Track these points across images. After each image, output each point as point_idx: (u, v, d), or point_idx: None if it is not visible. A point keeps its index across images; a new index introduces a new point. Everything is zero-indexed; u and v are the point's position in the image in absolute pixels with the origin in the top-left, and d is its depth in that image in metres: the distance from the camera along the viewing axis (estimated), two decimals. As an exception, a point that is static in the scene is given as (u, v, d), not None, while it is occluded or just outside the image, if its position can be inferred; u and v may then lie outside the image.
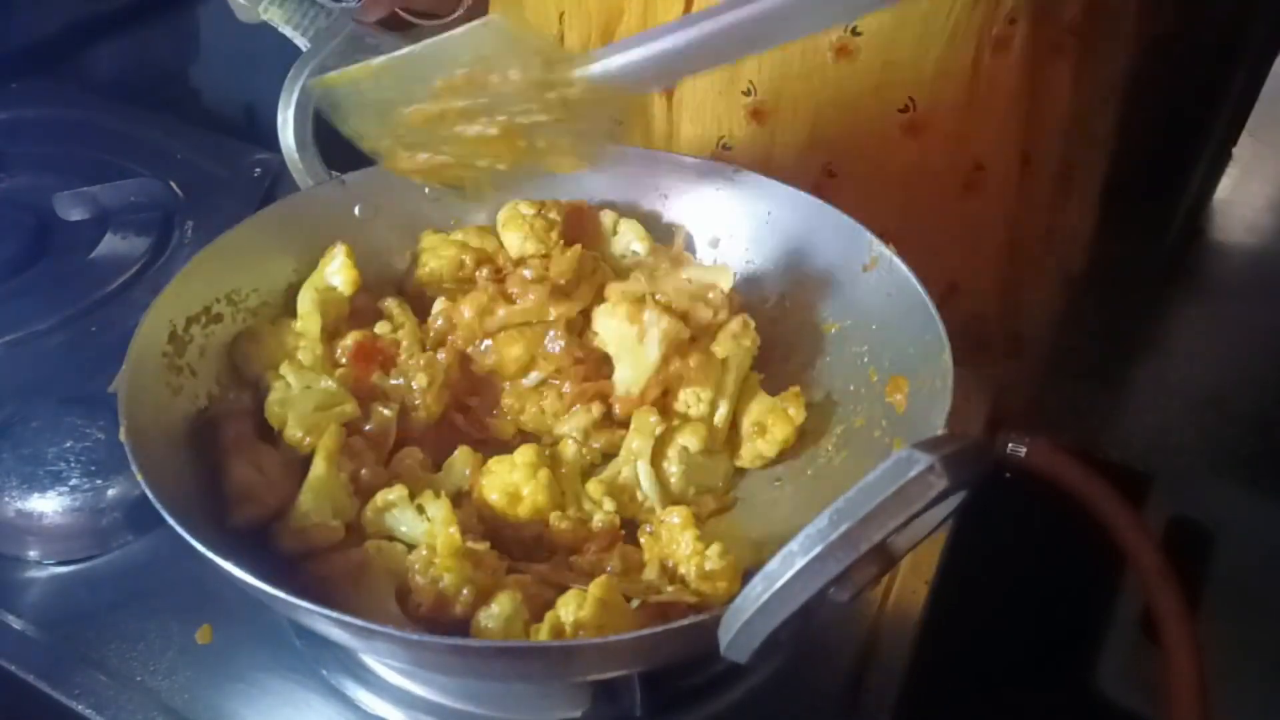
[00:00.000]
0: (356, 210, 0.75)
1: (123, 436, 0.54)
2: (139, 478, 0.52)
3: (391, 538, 0.59)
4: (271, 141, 0.73)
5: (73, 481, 0.67)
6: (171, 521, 0.49)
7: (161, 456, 0.57)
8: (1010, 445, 0.53)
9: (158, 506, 0.50)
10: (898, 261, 0.65)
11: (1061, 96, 0.92)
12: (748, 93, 0.85)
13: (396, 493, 0.59)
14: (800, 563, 0.41)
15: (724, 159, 0.85)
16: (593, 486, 0.64)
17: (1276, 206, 2.58)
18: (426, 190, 0.75)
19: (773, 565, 0.42)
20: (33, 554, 0.68)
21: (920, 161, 0.87)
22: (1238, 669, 0.65)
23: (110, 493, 0.67)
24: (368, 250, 0.73)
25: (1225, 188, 2.54)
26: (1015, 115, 0.88)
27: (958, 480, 0.40)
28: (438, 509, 0.58)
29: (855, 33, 0.81)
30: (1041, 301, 1.03)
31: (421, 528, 0.58)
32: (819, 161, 0.88)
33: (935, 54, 0.82)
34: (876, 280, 0.67)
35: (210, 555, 0.48)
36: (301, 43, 0.74)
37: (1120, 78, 0.95)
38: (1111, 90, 0.96)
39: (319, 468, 0.59)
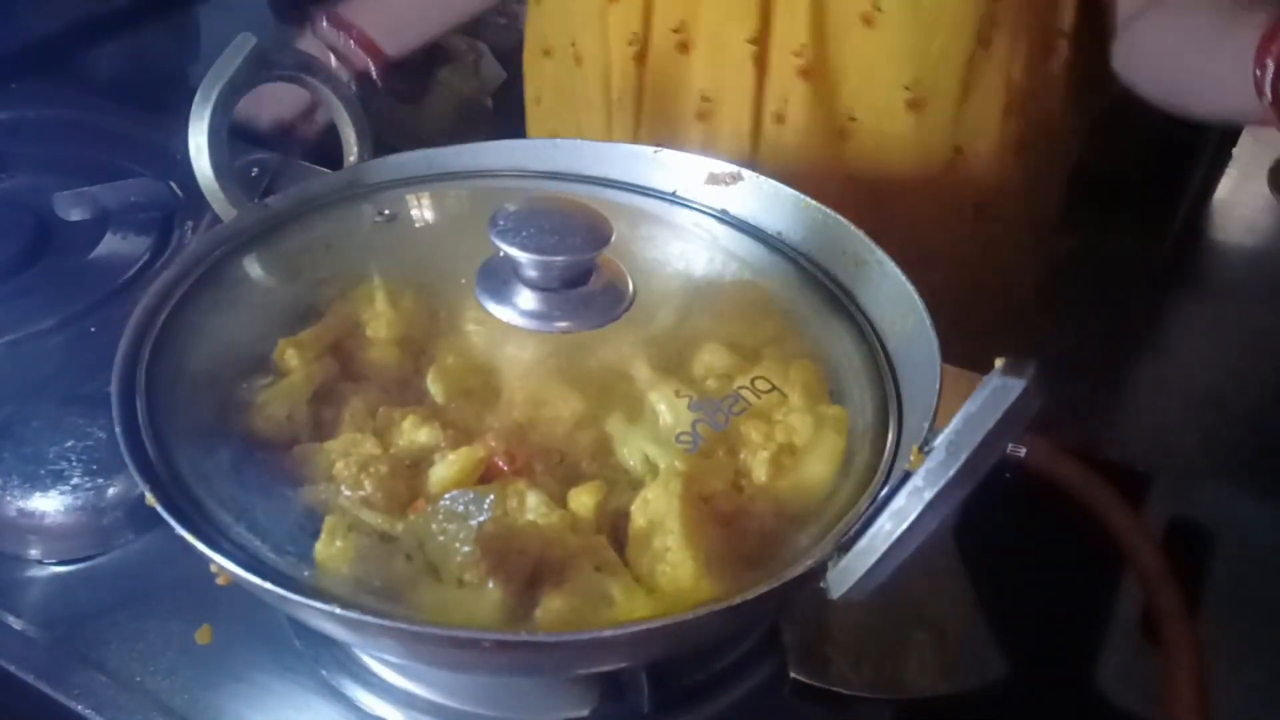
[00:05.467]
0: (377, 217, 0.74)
1: (118, 435, 0.54)
2: (136, 478, 0.52)
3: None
4: (270, 141, 0.73)
5: (74, 480, 0.67)
6: (170, 520, 0.49)
7: (159, 456, 0.56)
8: (1010, 445, 0.53)
9: (156, 506, 0.50)
10: (890, 264, 0.65)
11: (1051, 93, 0.94)
12: (797, 53, 0.91)
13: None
14: (930, 495, 0.43)
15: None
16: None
17: (1276, 206, 2.58)
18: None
19: (900, 502, 0.44)
20: (34, 553, 0.68)
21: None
22: (1238, 669, 0.65)
23: (111, 491, 0.67)
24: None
25: (1225, 188, 2.54)
26: (998, 105, 0.94)
27: (1042, 396, 0.43)
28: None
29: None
30: (1016, 263, 1.08)
31: None
32: (837, 126, 0.95)
33: (940, 42, 0.88)
34: (864, 279, 0.68)
35: (210, 554, 0.48)
36: None
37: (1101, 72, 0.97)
38: (1098, 86, 0.99)
39: (297, 375, 0.63)
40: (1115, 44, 0.92)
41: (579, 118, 1.08)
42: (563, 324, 0.58)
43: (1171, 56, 0.87)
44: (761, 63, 0.93)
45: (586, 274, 0.59)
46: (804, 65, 0.91)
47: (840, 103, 0.94)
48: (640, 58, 0.97)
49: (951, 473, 0.43)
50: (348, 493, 0.57)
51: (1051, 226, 1.12)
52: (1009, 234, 1.04)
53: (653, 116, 1.00)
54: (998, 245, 1.04)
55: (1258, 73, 0.75)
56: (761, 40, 0.92)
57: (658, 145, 0.96)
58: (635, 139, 1.02)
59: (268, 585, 0.47)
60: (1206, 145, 2.29)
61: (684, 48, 0.95)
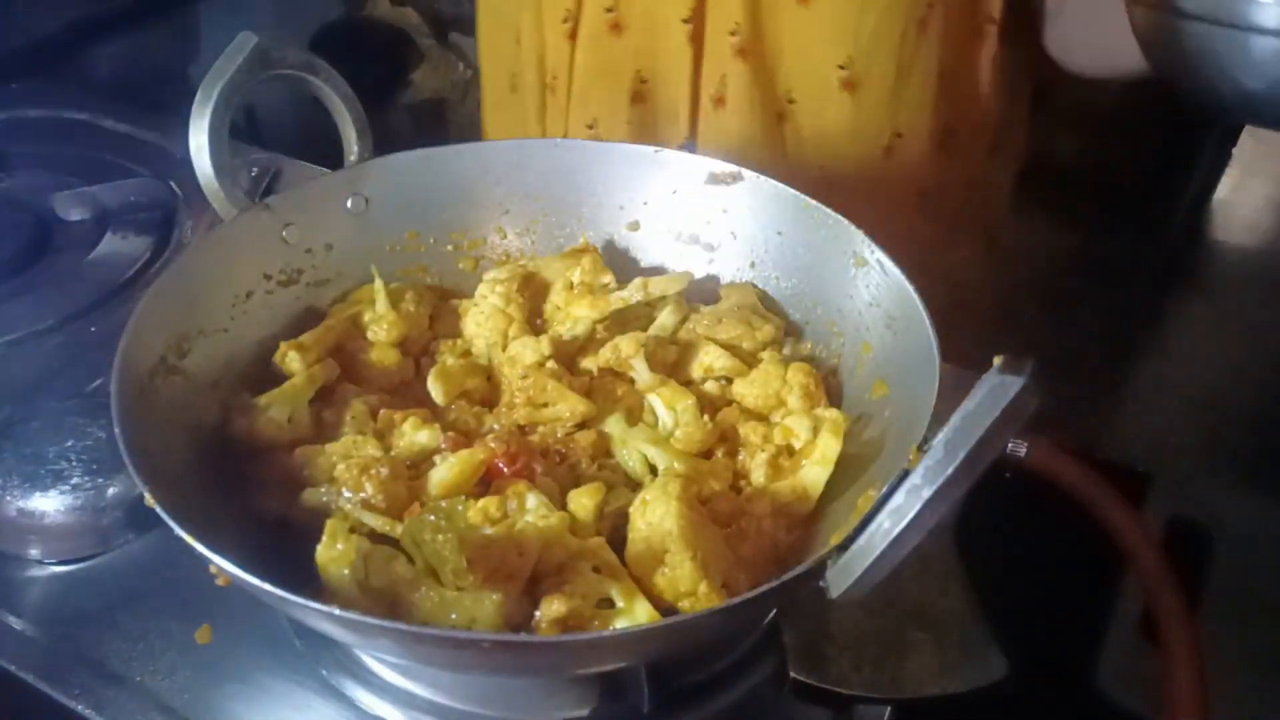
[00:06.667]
0: (349, 203, 0.75)
1: (118, 435, 0.54)
2: (136, 478, 0.51)
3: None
4: (270, 141, 0.72)
5: (74, 480, 0.67)
6: (170, 521, 0.49)
7: (159, 456, 0.57)
8: (1010, 445, 0.53)
9: (156, 506, 0.50)
10: (890, 264, 0.65)
11: (977, 80, 0.96)
12: (733, 32, 0.90)
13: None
14: (928, 493, 0.43)
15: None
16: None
17: (1276, 206, 2.58)
18: (349, 203, 0.75)
19: (898, 500, 0.44)
20: (34, 553, 0.68)
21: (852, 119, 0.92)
22: (1238, 669, 0.65)
23: (111, 491, 0.67)
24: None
25: (1225, 188, 2.54)
26: (931, 89, 0.94)
27: (1039, 394, 0.43)
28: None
29: None
30: (966, 260, 1.07)
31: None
32: (775, 109, 0.94)
33: (872, 22, 0.89)
34: (864, 279, 0.68)
35: (211, 555, 0.48)
36: None
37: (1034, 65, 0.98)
38: (1028, 74, 1.00)
39: (299, 378, 0.65)
40: (1048, 29, 0.93)
41: (522, 99, 1.06)
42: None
43: (1099, 24, 0.87)
44: (698, 42, 0.92)
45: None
46: (740, 44, 0.90)
47: (778, 84, 0.93)
48: (572, 36, 0.96)
49: (949, 470, 0.43)
50: (349, 495, 0.57)
51: (999, 225, 1.12)
52: (954, 233, 1.04)
53: (584, 98, 0.98)
54: (942, 244, 1.03)
55: None
56: (697, 19, 0.91)
57: (590, 127, 0.95)
58: (565, 122, 1.00)
59: (267, 587, 0.47)
60: (1206, 145, 2.29)
61: (616, 28, 0.94)
